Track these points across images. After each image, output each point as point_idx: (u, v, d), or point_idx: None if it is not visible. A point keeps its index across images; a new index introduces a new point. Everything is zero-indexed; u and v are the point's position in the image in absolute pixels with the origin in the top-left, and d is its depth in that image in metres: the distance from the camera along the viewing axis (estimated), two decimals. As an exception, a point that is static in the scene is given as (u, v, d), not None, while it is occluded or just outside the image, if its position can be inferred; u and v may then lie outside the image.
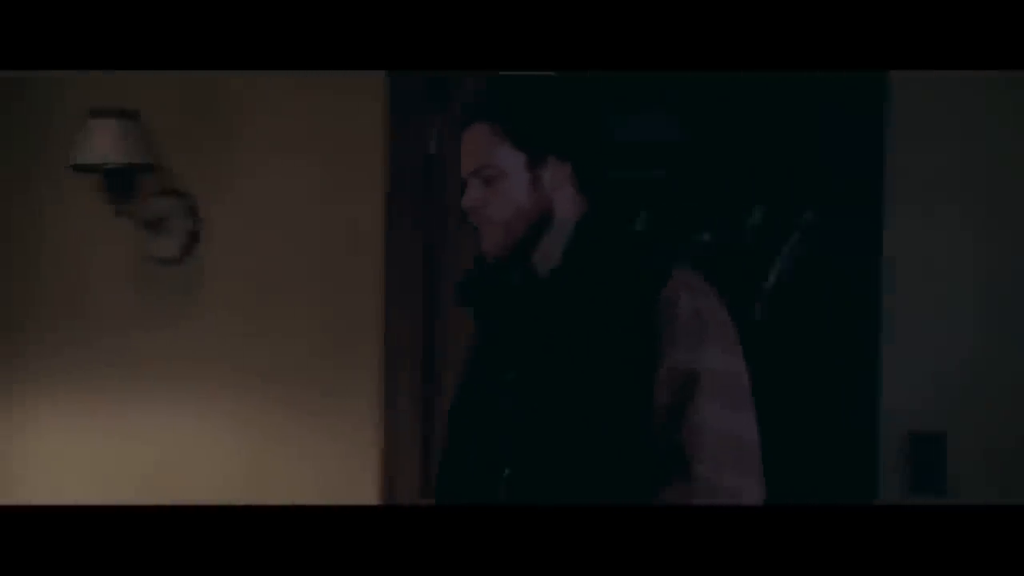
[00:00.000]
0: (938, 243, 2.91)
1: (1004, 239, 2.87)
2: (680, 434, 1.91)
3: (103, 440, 3.79)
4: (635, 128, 3.20)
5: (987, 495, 2.81)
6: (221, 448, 3.65)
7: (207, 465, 3.65)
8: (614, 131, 3.16)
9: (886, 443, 2.94)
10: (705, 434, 1.91)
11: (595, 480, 1.94)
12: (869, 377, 2.93)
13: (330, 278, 3.53)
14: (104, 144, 3.50)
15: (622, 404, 1.94)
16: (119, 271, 3.79)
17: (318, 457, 3.50)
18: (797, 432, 3.01)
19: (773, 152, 3.12)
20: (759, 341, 3.05)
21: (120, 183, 3.63)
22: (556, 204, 2.07)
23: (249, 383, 3.61)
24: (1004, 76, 2.74)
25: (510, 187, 2.04)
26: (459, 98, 3.20)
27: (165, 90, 3.67)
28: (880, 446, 2.94)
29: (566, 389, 1.97)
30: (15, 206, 3.93)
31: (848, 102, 3.01)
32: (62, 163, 3.63)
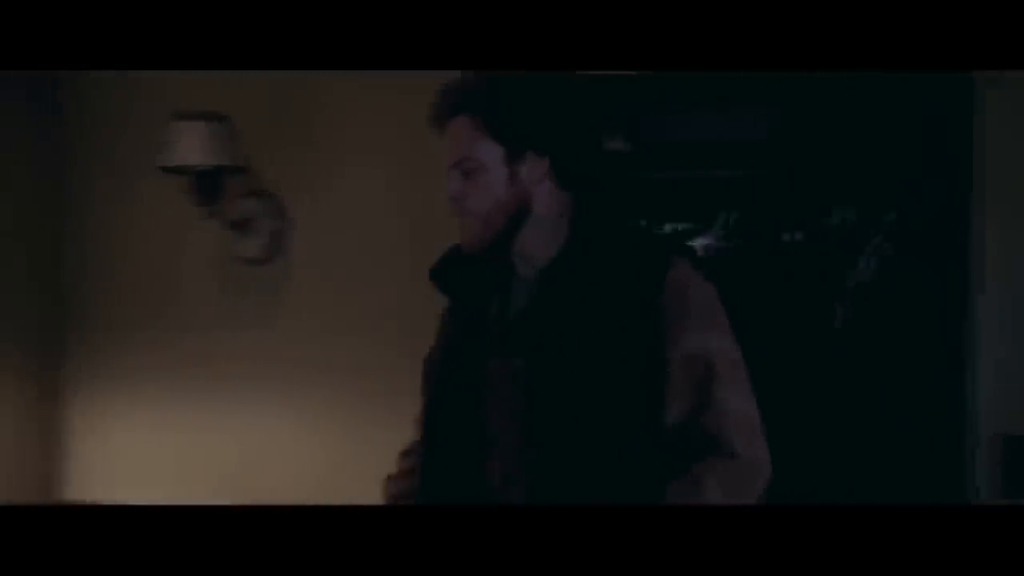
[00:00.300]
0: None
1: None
2: (705, 412, 1.94)
3: (187, 440, 3.83)
4: (720, 127, 3.19)
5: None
6: (305, 448, 3.67)
7: (291, 465, 3.67)
8: (700, 130, 3.16)
9: (978, 446, 2.90)
10: (729, 412, 1.94)
11: (617, 468, 1.94)
12: (959, 379, 2.91)
13: (413, 278, 3.52)
14: (193, 146, 3.53)
15: (632, 391, 1.95)
16: (205, 272, 3.83)
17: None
18: (887, 433, 2.98)
19: (857, 153, 3.10)
20: (845, 342, 3.04)
21: (208, 185, 3.65)
22: (535, 199, 2.07)
23: (334, 383, 3.63)
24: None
25: (489, 180, 2.06)
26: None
27: (251, 92, 3.70)
28: (972, 449, 2.91)
29: (573, 379, 1.96)
30: (102, 206, 3.97)
31: (934, 103, 2.99)
32: (149, 164, 3.64)
